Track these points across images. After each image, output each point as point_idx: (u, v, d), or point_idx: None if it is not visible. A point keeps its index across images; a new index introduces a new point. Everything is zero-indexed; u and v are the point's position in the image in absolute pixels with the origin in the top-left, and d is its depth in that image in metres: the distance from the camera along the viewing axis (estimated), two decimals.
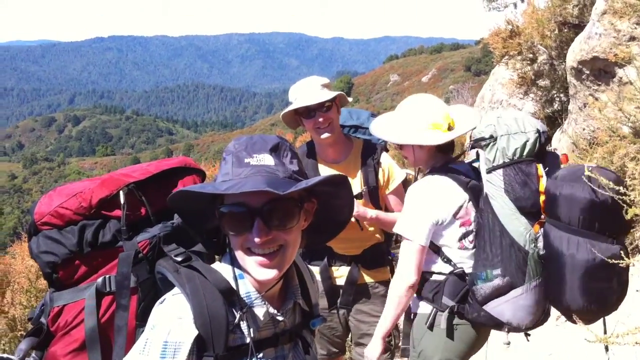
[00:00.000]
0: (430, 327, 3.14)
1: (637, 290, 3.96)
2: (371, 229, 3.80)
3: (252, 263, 1.67)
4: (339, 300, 3.77)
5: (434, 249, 3.15)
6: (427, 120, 3.09)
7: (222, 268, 1.77)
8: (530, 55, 8.46)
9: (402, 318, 3.35)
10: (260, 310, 1.73)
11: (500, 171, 3.00)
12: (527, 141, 3.01)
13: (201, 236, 1.91)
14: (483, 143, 3.05)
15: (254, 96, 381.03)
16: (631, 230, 4.51)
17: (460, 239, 3.12)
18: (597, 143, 5.30)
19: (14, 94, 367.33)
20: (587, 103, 5.93)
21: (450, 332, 3.13)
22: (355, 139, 3.90)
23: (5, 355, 2.22)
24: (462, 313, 3.12)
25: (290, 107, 3.65)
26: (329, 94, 3.59)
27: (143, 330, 1.68)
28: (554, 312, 3.55)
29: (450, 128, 3.13)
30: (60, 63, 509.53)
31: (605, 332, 2.96)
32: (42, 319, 2.12)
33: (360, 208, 3.59)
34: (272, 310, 1.76)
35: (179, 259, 1.84)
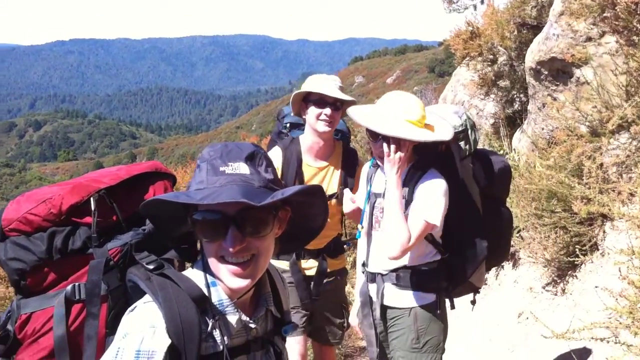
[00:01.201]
0: (441, 313, 3.28)
1: (595, 287, 4.02)
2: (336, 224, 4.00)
3: (225, 271, 1.65)
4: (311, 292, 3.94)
5: (430, 240, 3.23)
6: (418, 115, 3.08)
7: (194, 275, 1.74)
8: (491, 57, 8.55)
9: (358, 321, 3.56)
10: (232, 318, 1.71)
11: (469, 159, 3.28)
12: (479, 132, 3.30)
13: (173, 243, 1.89)
14: (462, 135, 3.24)
15: (219, 99, 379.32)
16: (590, 228, 4.59)
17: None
18: (556, 142, 5.37)
19: None
20: (546, 103, 6.01)
21: (445, 313, 3.35)
22: (336, 141, 4.01)
23: None
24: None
25: (309, 88, 3.77)
26: (346, 96, 3.78)
27: (113, 339, 1.64)
28: (516, 311, 3.60)
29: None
30: (21, 67, 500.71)
31: None
32: (9, 326, 2.05)
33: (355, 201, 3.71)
34: (244, 317, 1.74)
35: (151, 266, 1.80)
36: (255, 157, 1.71)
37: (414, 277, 3.25)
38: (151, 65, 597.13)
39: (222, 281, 1.68)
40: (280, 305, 1.94)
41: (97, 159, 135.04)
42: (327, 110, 3.71)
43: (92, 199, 2.06)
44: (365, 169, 3.59)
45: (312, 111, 3.76)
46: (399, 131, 3.00)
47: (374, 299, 3.38)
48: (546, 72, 5.92)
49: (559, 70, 5.79)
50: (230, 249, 1.61)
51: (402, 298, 3.29)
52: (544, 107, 6.12)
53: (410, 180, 3.17)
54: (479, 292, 3.59)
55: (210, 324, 1.66)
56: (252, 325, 1.77)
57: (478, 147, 3.47)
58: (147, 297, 1.65)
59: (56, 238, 2.01)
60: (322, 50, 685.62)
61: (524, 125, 6.99)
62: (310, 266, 3.94)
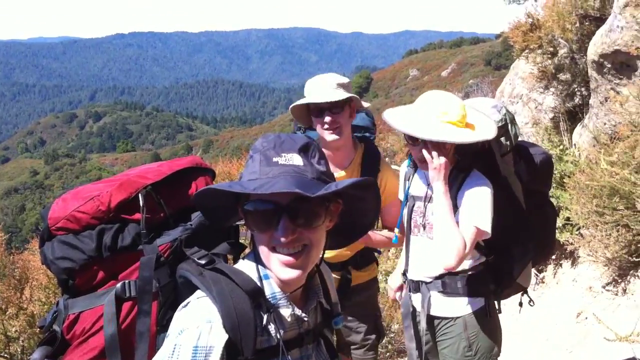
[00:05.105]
0: (492, 317, 3.17)
1: None
2: None
3: (276, 262, 1.65)
4: None
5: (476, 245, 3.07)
6: (458, 115, 2.91)
7: (246, 268, 1.74)
8: (551, 49, 8.34)
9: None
10: (286, 311, 1.72)
11: (510, 155, 3.19)
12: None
13: (226, 235, 1.92)
14: (502, 131, 3.10)
15: (273, 92, 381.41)
16: None
17: None
18: (619, 138, 5.22)
19: (35, 90, 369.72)
20: (609, 97, 5.84)
21: (497, 317, 3.23)
22: (357, 143, 3.67)
23: None
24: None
25: (301, 101, 3.44)
26: (341, 95, 3.36)
27: (164, 336, 1.65)
28: (574, 310, 3.49)
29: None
30: (81, 59, 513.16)
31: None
32: (56, 327, 2.06)
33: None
34: (297, 311, 1.74)
35: (202, 261, 1.79)
36: (308, 148, 1.71)
37: (461, 283, 3.12)
38: (207, 58, 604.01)
39: (274, 272, 1.68)
40: (328, 297, 1.94)
41: (155, 150, 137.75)
42: (327, 118, 3.36)
43: (140, 195, 2.05)
44: (403, 169, 3.44)
45: (315, 122, 3.45)
46: (439, 134, 2.84)
47: (419, 309, 3.24)
48: (609, 65, 5.75)
49: (622, 64, 5.62)
50: (282, 239, 1.61)
51: (449, 306, 3.16)
52: (606, 101, 5.95)
53: (454, 182, 3.02)
54: (526, 293, 3.46)
55: (265, 318, 1.66)
56: (305, 318, 1.76)
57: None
58: (200, 293, 1.66)
59: (105, 235, 2.01)
60: (377, 43, 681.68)
61: (585, 120, 6.81)
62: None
